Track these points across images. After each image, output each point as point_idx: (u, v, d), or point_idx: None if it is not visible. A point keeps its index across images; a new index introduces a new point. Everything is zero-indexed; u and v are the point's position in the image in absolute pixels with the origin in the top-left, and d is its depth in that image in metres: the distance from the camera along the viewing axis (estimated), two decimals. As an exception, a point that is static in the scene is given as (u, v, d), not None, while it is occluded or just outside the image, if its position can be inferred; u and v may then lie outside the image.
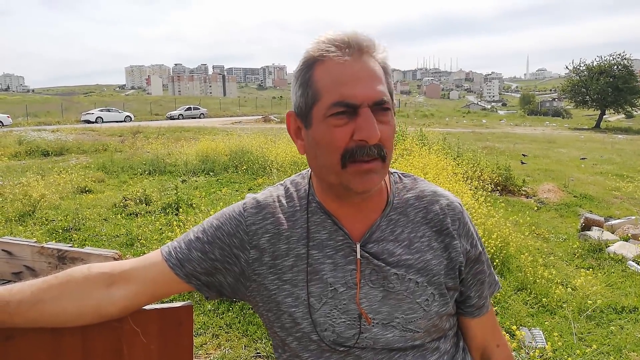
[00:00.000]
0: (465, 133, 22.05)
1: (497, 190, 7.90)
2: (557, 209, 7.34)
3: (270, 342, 3.10)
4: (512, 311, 3.72)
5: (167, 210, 6.31)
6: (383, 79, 0.82)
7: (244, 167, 9.43)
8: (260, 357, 3.03)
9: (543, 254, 5.15)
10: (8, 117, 29.85)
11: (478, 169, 7.94)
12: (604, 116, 38.51)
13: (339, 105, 0.78)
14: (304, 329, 0.86)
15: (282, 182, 0.99)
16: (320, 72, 0.80)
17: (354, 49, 0.80)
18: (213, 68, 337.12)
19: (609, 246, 5.27)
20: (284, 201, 0.93)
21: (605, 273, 4.63)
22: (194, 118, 38.47)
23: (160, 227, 5.52)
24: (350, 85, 0.78)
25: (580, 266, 4.86)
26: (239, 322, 3.39)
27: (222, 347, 3.13)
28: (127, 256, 4.38)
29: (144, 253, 0.94)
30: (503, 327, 3.26)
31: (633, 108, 37.52)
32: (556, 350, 3.13)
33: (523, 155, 13.66)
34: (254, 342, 3.18)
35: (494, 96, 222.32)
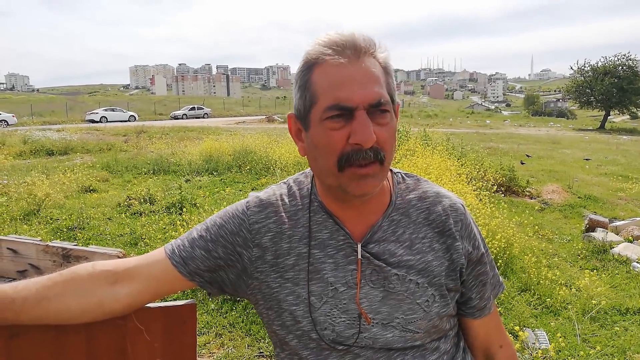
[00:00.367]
0: (469, 133, 21.99)
1: (501, 190, 7.87)
2: (561, 209, 7.32)
3: (273, 341, 3.10)
4: (515, 312, 3.71)
5: (171, 210, 6.33)
6: (382, 80, 0.81)
7: (248, 167, 9.44)
8: (263, 356, 3.03)
9: (547, 255, 5.14)
10: (13, 116, 30.02)
11: (482, 169, 7.92)
12: (609, 117, 38.36)
13: (335, 108, 0.78)
14: (303, 328, 0.87)
15: (285, 180, 0.99)
16: (317, 74, 0.80)
17: (351, 51, 0.79)
18: (217, 68, 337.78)
19: (613, 247, 5.25)
20: (286, 200, 0.94)
21: (609, 274, 4.61)
22: (198, 118, 38.54)
23: (164, 227, 5.53)
24: (345, 88, 0.77)
25: (585, 267, 4.84)
26: (242, 322, 3.39)
27: (226, 346, 3.14)
28: (131, 255, 4.39)
29: (148, 252, 0.95)
30: (506, 328, 3.25)
31: (638, 109, 37.34)
32: (560, 351, 3.13)
33: (527, 155, 13.62)
34: (257, 341, 3.18)
35: (498, 97, 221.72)
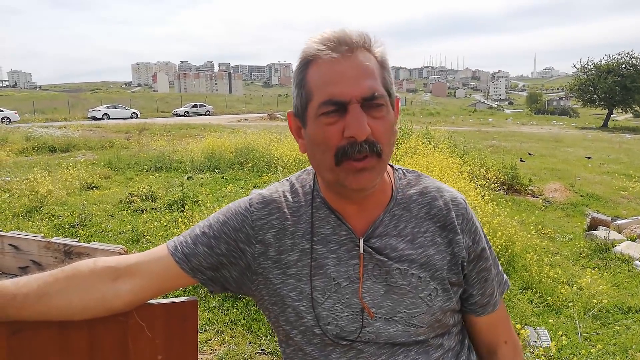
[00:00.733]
0: (471, 131, 21.96)
1: (503, 189, 7.86)
2: (563, 208, 7.31)
3: (275, 338, 3.11)
4: (517, 310, 3.71)
5: (173, 207, 6.34)
6: (377, 74, 0.81)
7: (250, 164, 9.45)
8: (264, 353, 3.04)
9: (549, 253, 5.13)
10: (16, 113, 30.09)
11: (484, 167, 7.91)
12: (612, 115, 38.23)
13: (328, 103, 0.79)
14: (307, 323, 0.87)
15: (288, 178, 1.00)
16: (312, 72, 0.81)
17: (344, 47, 0.80)
18: (219, 65, 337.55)
19: (615, 246, 5.24)
20: (289, 196, 0.94)
21: (611, 273, 4.60)
22: (200, 115, 38.59)
23: (165, 224, 5.54)
24: (338, 83, 0.78)
25: (587, 266, 4.83)
26: (244, 319, 3.40)
27: (227, 344, 3.14)
28: (133, 252, 4.40)
29: (150, 249, 0.95)
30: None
31: (641, 107, 37.22)
32: (561, 349, 3.12)
33: (529, 154, 13.59)
34: (258, 338, 3.19)
35: (500, 95, 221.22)
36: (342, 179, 0.82)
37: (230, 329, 3.31)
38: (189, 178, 8.62)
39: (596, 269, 4.66)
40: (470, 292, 0.95)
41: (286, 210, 0.92)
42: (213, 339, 3.19)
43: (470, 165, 7.52)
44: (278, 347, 0.94)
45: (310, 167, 0.97)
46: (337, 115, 0.79)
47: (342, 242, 0.89)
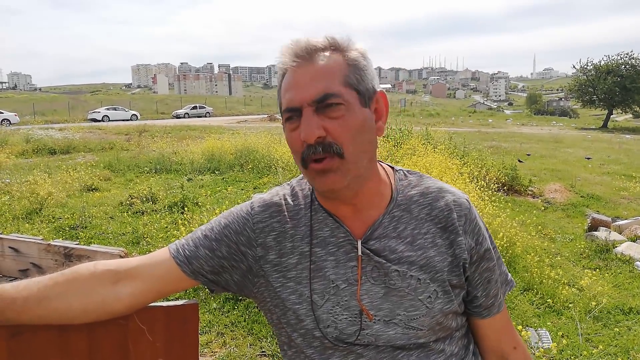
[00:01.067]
0: (471, 132, 21.96)
1: (503, 190, 7.86)
2: (563, 209, 7.30)
3: (276, 340, 3.09)
4: (518, 311, 3.71)
5: (173, 209, 6.34)
6: (337, 74, 0.81)
7: (250, 165, 9.44)
8: (265, 355, 3.03)
9: (549, 254, 5.13)
10: (15, 115, 30.10)
11: (484, 168, 7.91)
12: (612, 116, 38.25)
13: (286, 111, 0.83)
14: (307, 326, 0.87)
15: (289, 182, 1.00)
16: (282, 82, 0.85)
17: (304, 54, 0.82)
18: (219, 67, 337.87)
19: (616, 247, 5.24)
20: (289, 200, 0.94)
21: (612, 274, 4.60)
22: (200, 117, 38.61)
23: (166, 226, 5.54)
24: (292, 90, 0.82)
25: (587, 267, 4.83)
26: (244, 321, 3.39)
27: (228, 346, 3.14)
28: (134, 254, 4.40)
29: (150, 251, 0.95)
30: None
31: (641, 108, 37.23)
32: (562, 350, 3.12)
33: (527, 155, 13.59)
34: (259, 340, 3.18)
35: (500, 95, 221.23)
36: (311, 182, 0.86)
37: (231, 331, 3.31)
38: (189, 180, 8.61)
39: (597, 269, 4.65)
40: (475, 294, 0.94)
41: (286, 213, 0.92)
42: (213, 341, 3.19)
43: (470, 167, 7.52)
44: (279, 350, 0.93)
45: None
46: (297, 120, 0.82)
47: (340, 244, 0.88)
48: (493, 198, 5.60)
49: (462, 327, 0.95)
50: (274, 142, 10.76)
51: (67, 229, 5.58)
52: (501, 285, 0.98)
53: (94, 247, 2.30)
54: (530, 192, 8.17)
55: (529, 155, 13.58)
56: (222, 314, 3.49)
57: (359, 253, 0.87)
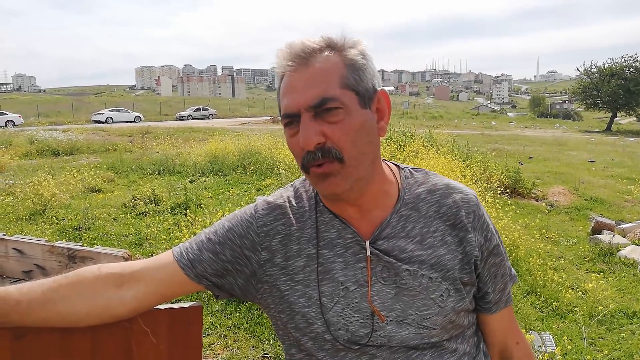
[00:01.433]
0: (474, 135, 21.92)
1: (507, 192, 7.84)
2: (567, 212, 7.28)
3: (278, 343, 3.09)
4: (521, 315, 3.69)
5: (176, 210, 6.35)
6: (335, 76, 0.80)
7: (253, 167, 9.44)
8: (267, 358, 3.03)
9: (553, 257, 5.11)
10: (20, 116, 30.23)
11: (487, 171, 7.89)
12: (615, 119, 38.14)
13: (284, 117, 0.83)
14: (317, 329, 0.86)
15: (292, 183, 0.99)
16: (281, 86, 0.84)
17: (300, 57, 0.81)
18: (222, 69, 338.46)
19: (620, 250, 5.22)
20: (294, 202, 0.94)
21: (616, 277, 4.58)
22: (203, 119, 38.64)
23: (168, 227, 5.55)
24: (289, 95, 0.81)
25: (591, 270, 4.81)
26: (247, 323, 3.39)
27: (230, 348, 3.13)
28: (137, 256, 4.41)
29: (153, 252, 0.94)
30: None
31: (645, 111, 37.10)
32: (566, 354, 3.10)
33: (529, 158, 13.56)
34: (261, 342, 3.18)
35: (503, 98, 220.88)
36: (314, 185, 0.85)
37: (234, 333, 3.31)
38: (192, 182, 8.62)
39: (601, 273, 4.63)
40: (485, 290, 0.93)
41: (291, 215, 0.91)
42: (216, 343, 3.19)
43: (473, 169, 7.50)
44: (282, 352, 0.92)
45: None
46: (296, 126, 0.81)
47: (348, 246, 0.87)
48: (496, 200, 5.59)
49: (473, 325, 0.95)
50: (277, 144, 10.76)
51: (71, 230, 5.60)
52: (509, 279, 0.98)
53: (97, 248, 2.31)
54: (533, 195, 8.15)
55: (531, 158, 13.54)
56: (225, 316, 3.49)
57: (368, 254, 0.86)
